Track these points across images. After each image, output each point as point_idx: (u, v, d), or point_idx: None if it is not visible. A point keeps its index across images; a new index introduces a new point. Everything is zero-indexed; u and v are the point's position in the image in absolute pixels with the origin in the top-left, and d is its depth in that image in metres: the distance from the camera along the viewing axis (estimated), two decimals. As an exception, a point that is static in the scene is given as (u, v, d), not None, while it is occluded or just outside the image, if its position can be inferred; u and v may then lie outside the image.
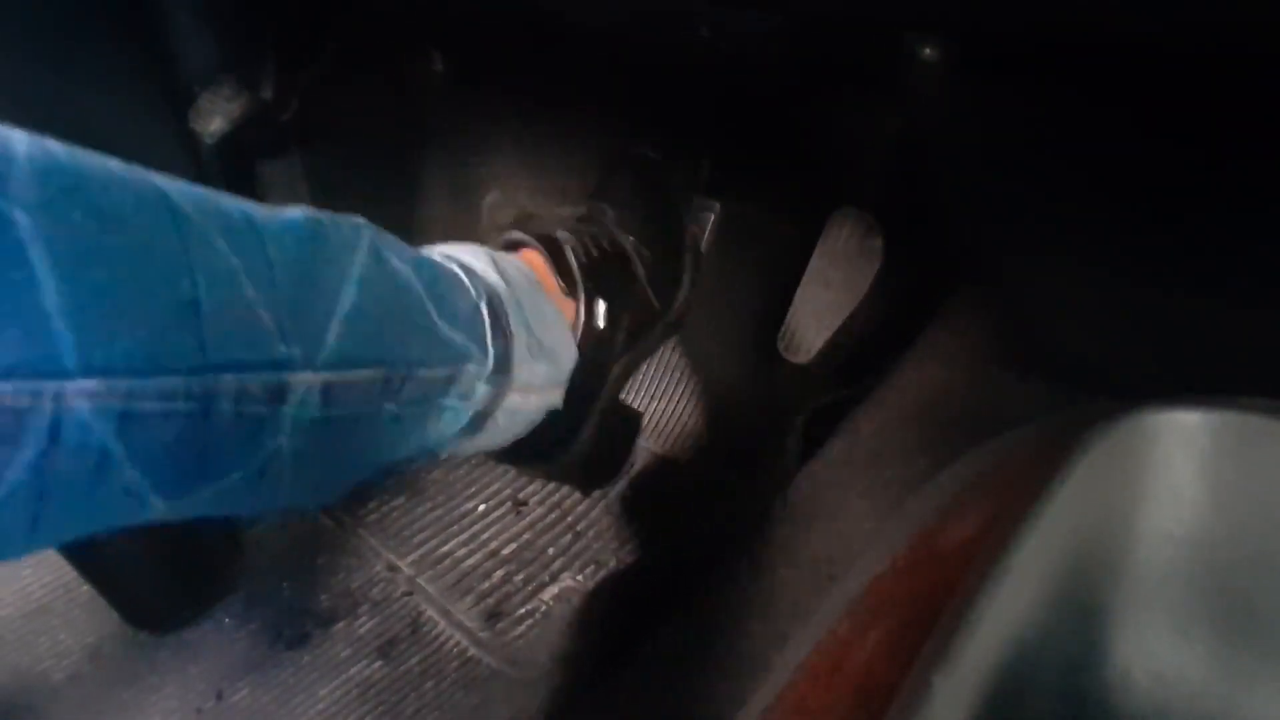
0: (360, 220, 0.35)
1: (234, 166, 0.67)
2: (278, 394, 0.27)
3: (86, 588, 0.57)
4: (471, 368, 0.36)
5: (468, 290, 0.37)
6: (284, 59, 0.67)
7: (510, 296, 0.40)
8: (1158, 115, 0.41)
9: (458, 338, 0.35)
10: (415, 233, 0.81)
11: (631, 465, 0.64)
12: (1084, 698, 0.24)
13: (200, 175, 0.66)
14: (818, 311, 0.61)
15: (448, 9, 0.72)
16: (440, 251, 0.40)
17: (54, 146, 0.23)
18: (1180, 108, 0.39)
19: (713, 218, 0.62)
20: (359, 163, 0.75)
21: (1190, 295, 0.43)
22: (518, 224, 0.50)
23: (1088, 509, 0.24)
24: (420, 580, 0.60)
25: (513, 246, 0.48)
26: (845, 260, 0.59)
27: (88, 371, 0.21)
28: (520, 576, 0.59)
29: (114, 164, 0.25)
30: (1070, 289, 0.48)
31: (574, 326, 0.46)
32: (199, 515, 0.27)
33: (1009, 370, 0.49)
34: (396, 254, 0.34)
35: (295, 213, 0.31)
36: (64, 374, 0.21)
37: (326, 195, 0.72)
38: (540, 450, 0.46)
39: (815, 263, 0.61)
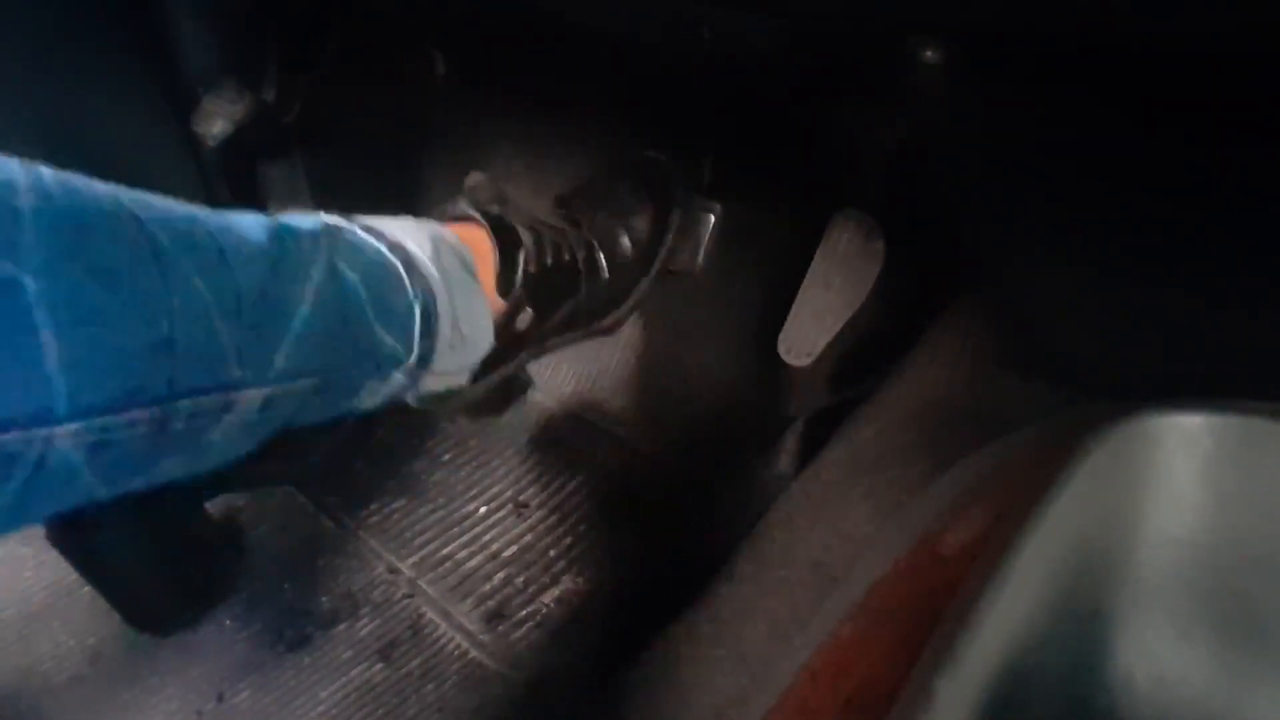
0: (319, 226, 0.37)
1: (236, 168, 0.67)
2: (224, 409, 0.30)
3: (88, 589, 0.57)
4: (395, 362, 0.39)
5: (405, 290, 0.40)
6: (286, 61, 0.67)
7: (444, 292, 0.42)
8: (1159, 116, 0.41)
9: (389, 340, 0.38)
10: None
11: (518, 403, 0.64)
12: (1086, 701, 0.24)
13: (202, 177, 0.67)
14: (819, 313, 0.61)
15: (449, 10, 0.73)
16: (388, 235, 0.42)
17: (50, 184, 0.25)
18: (1182, 108, 0.39)
19: (713, 219, 0.63)
20: (360, 164, 0.75)
21: (1192, 297, 0.43)
22: (483, 200, 0.50)
23: (1089, 511, 0.24)
24: (421, 582, 0.60)
25: (465, 220, 0.49)
26: (847, 262, 0.59)
27: (74, 416, 0.24)
28: (521, 579, 0.59)
29: (104, 199, 0.27)
30: (1072, 290, 0.48)
31: (497, 317, 0.47)
32: (128, 492, 0.30)
33: (1011, 372, 0.49)
34: (348, 261, 0.37)
35: (258, 229, 0.33)
36: (56, 421, 0.24)
37: (328, 196, 0.72)
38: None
39: (816, 265, 0.61)
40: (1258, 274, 0.41)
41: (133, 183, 0.69)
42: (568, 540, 0.62)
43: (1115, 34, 0.33)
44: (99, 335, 0.25)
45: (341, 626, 0.58)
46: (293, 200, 0.71)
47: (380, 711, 0.53)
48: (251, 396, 0.31)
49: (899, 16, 0.40)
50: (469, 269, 0.45)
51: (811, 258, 0.60)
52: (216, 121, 0.64)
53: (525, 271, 0.48)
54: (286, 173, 0.70)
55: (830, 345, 0.61)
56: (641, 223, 0.58)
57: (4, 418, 0.23)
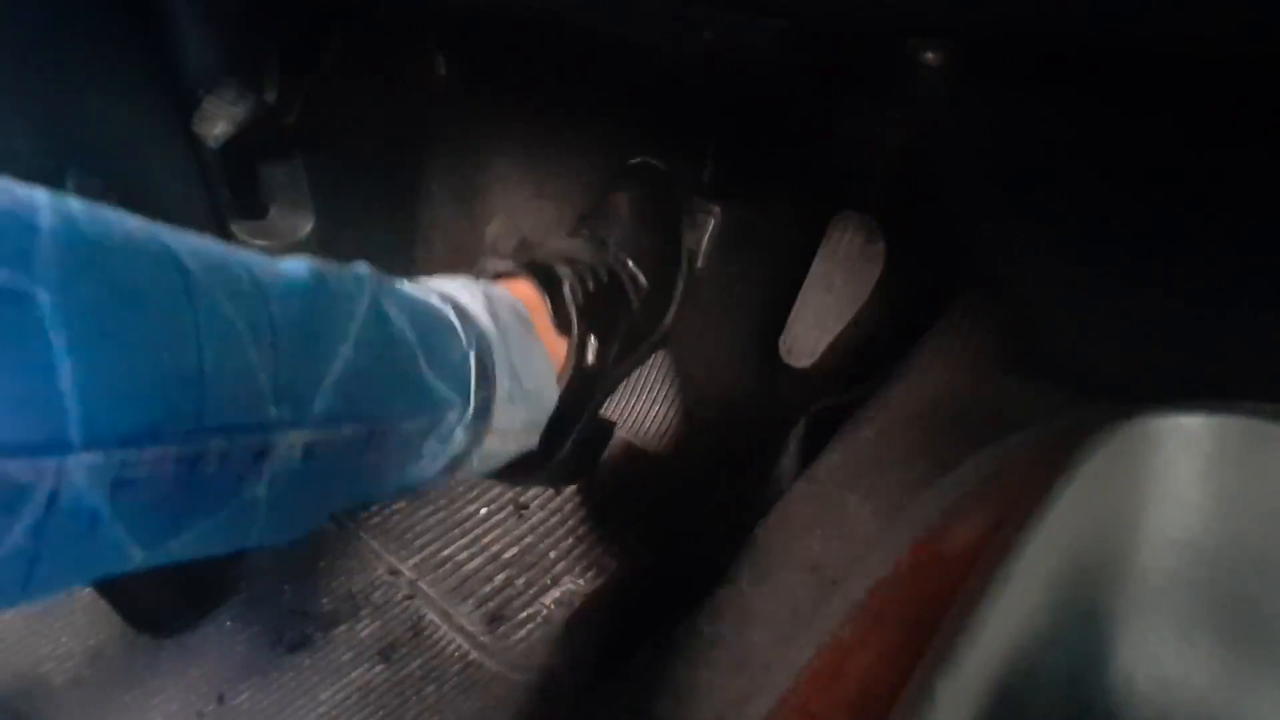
0: (363, 271, 0.35)
1: (237, 169, 0.67)
2: (261, 452, 0.28)
3: (88, 591, 0.57)
4: (452, 415, 0.37)
5: (459, 337, 0.38)
6: (288, 62, 0.67)
7: (500, 341, 0.40)
8: (1159, 117, 0.41)
9: (443, 388, 0.36)
10: (416, 236, 0.81)
11: (601, 464, 0.64)
12: (1087, 703, 0.24)
13: (203, 178, 0.67)
14: (820, 315, 0.61)
15: (450, 12, 0.73)
16: (437, 289, 0.41)
17: (76, 210, 0.24)
18: (1181, 109, 0.39)
19: (713, 222, 0.63)
20: (361, 166, 0.75)
21: (1193, 298, 0.43)
22: (518, 253, 0.51)
23: (1091, 513, 0.24)
24: (421, 584, 0.60)
25: (508, 276, 0.49)
26: (847, 264, 0.59)
27: (90, 445, 0.22)
28: (522, 580, 0.59)
29: (131, 224, 0.26)
30: (1073, 291, 0.48)
31: (562, 363, 0.46)
32: (174, 561, 0.27)
33: (1012, 374, 0.49)
34: (396, 303, 0.35)
35: (299, 267, 0.32)
36: (68, 449, 0.22)
37: (329, 198, 0.72)
38: (514, 475, 0.47)
39: (817, 266, 0.61)
40: (1259, 275, 0.41)
41: (135, 183, 0.69)
42: (568, 542, 0.62)
43: (1114, 36, 0.33)
44: (119, 357, 0.23)
45: (342, 628, 0.58)
46: (294, 203, 0.71)
47: (381, 713, 0.53)
48: (291, 440, 0.29)
49: (899, 20, 0.40)
50: (524, 321, 0.44)
51: (812, 259, 0.61)
52: (218, 123, 0.64)
53: (575, 304, 0.47)
54: (287, 174, 0.70)
55: (831, 346, 0.61)
56: (658, 228, 0.58)
57: (9, 441, 0.21)
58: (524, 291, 0.48)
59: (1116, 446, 0.25)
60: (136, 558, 0.25)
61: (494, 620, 0.57)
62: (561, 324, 0.47)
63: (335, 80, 0.70)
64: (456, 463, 0.40)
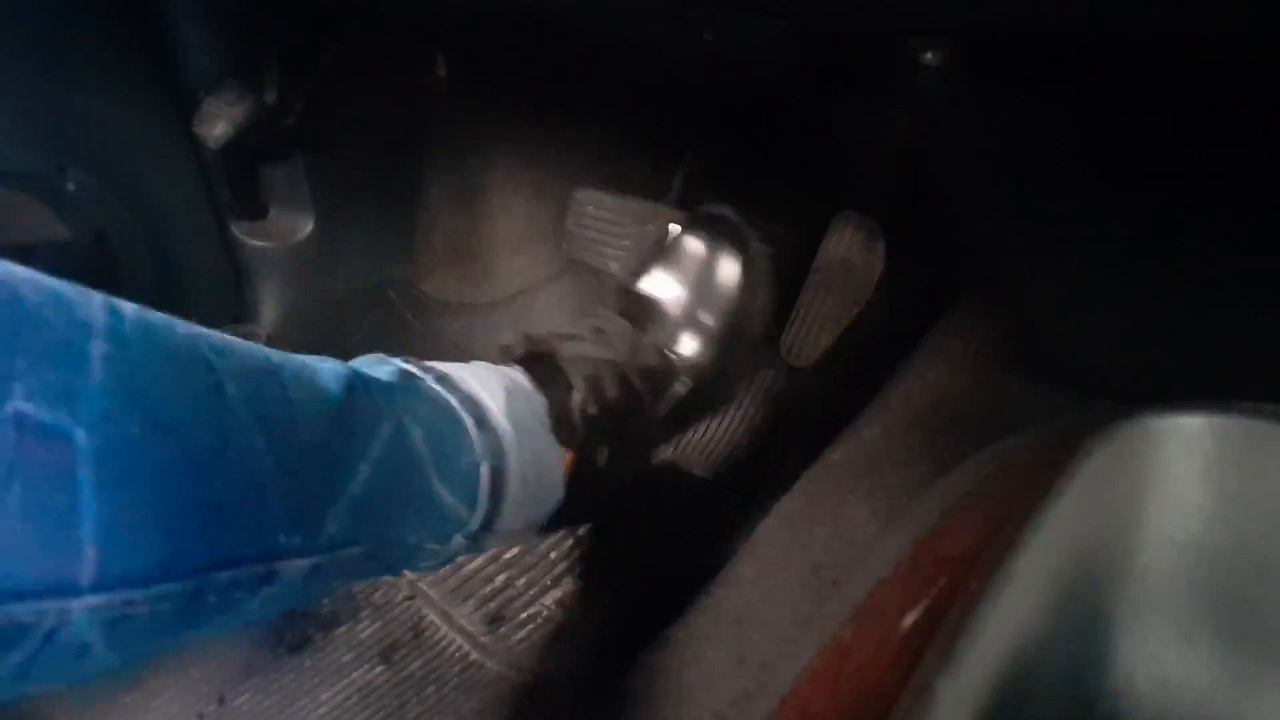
0: (395, 376, 0.35)
1: (237, 170, 0.68)
2: (266, 579, 0.27)
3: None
4: (455, 525, 0.37)
5: (473, 447, 0.37)
6: (288, 63, 0.67)
7: (515, 447, 0.39)
8: (1161, 118, 0.41)
9: (451, 502, 0.35)
10: (416, 237, 0.81)
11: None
12: (1088, 703, 0.24)
13: (204, 179, 0.67)
14: (820, 316, 0.61)
15: (451, 13, 0.73)
16: (461, 387, 0.39)
17: (129, 330, 0.23)
18: (1183, 109, 0.39)
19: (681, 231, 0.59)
20: (362, 166, 0.75)
21: (1193, 299, 0.43)
22: (545, 339, 0.47)
23: (1091, 514, 0.24)
24: (422, 584, 0.60)
25: (534, 359, 0.46)
26: (848, 265, 0.59)
27: (98, 589, 0.22)
28: (522, 581, 0.59)
29: (181, 345, 0.25)
30: (1073, 292, 0.48)
31: (569, 465, 0.44)
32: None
33: (1012, 374, 0.49)
34: (416, 416, 0.34)
35: (334, 378, 0.31)
36: (77, 593, 0.21)
37: (329, 199, 0.72)
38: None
39: (818, 267, 0.61)
40: (1259, 276, 0.41)
41: (135, 184, 0.68)
42: (568, 542, 0.62)
43: (1114, 36, 0.33)
44: (143, 497, 0.22)
45: (342, 629, 0.58)
46: (293, 203, 0.71)
47: (381, 714, 0.53)
48: (297, 566, 0.28)
49: (899, 20, 0.40)
50: (540, 420, 0.42)
51: (813, 259, 0.61)
52: (218, 123, 0.64)
53: (584, 414, 0.44)
54: (288, 174, 0.70)
55: (832, 347, 0.61)
56: (723, 299, 0.54)
57: (20, 587, 0.20)
58: (541, 379, 0.45)
59: (1117, 447, 0.25)
60: (111, 665, 0.25)
61: (494, 621, 0.57)
62: (563, 436, 0.43)
63: (335, 81, 0.70)
64: (446, 563, 0.40)
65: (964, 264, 0.55)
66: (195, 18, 0.63)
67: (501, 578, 0.60)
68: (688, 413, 0.55)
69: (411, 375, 0.37)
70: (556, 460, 0.42)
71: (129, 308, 0.24)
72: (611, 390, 0.47)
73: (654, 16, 0.55)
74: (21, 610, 0.20)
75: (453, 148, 0.78)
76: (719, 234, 0.56)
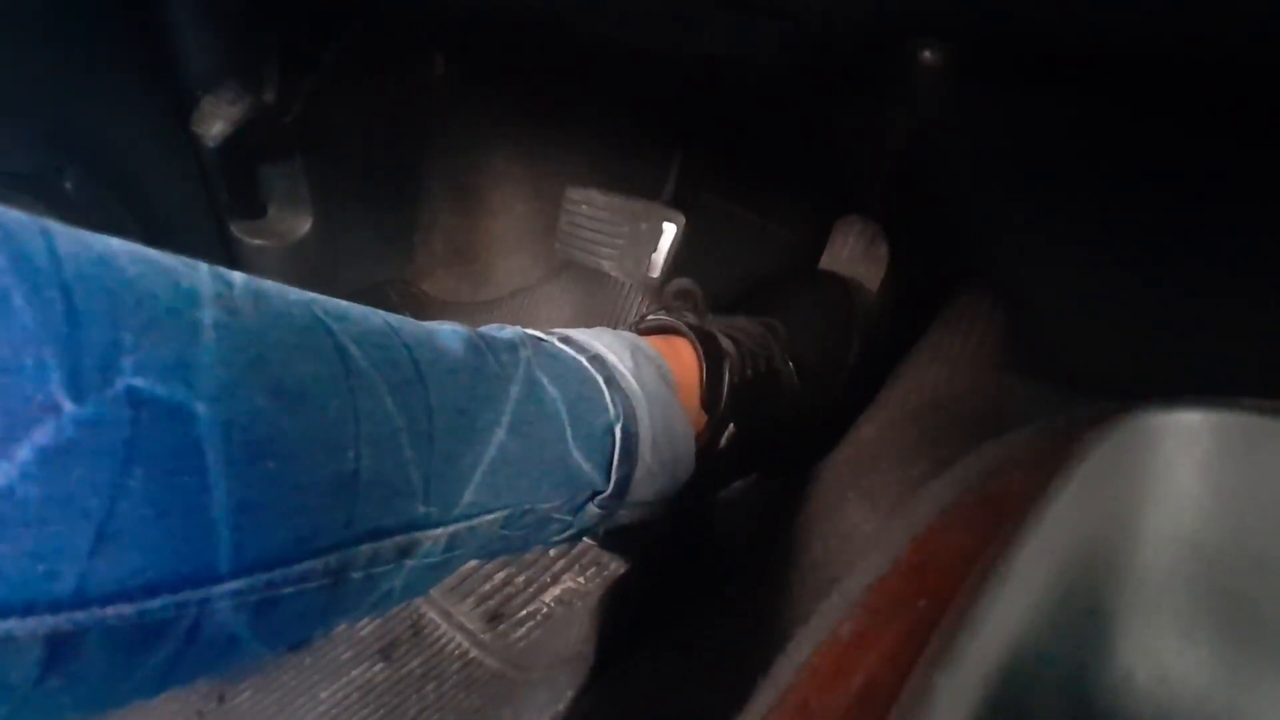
0: (517, 336, 0.33)
1: (236, 169, 0.67)
2: (406, 552, 0.26)
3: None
4: (589, 492, 0.35)
5: (605, 408, 0.35)
6: (287, 62, 0.67)
7: (645, 410, 0.37)
8: (1162, 118, 0.41)
9: (586, 466, 0.34)
10: (415, 236, 0.81)
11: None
12: (1087, 700, 0.24)
13: (203, 179, 0.67)
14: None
15: (450, 12, 0.73)
16: (587, 348, 0.37)
17: (239, 296, 0.22)
18: (1186, 108, 0.39)
19: (676, 230, 0.59)
20: (361, 166, 0.75)
21: (1192, 296, 0.43)
22: (679, 307, 0.46)
23: (1090, 511, 0.24)
24: (422, 583, 0.60)
25: (662, 331, 0.45)
26: (851, 267, 0.59)
27: (237, 573, 0.20)
28: (521, 578, 0.59)
29: (297, 309, 0.23)
30: (1073, 291, 0.48)
31: (699, 436, 0.42)
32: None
33: (1011, 372, 0.49)
34: (548, 372, 0.33)
35: (455, 339, 0.30)
36: (216, 580, 0.20)
37: (328, 198, 0.72)
38: (613, 542, 0.45)
39: (822, 268, 0.61)
40: (1258, 273, 0.41)
41: (135, 183, 0.68)
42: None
43: (1115, 39, 0.33)
44: (276, 471, 0.21)
45: (342, 626, 0.58)
46: (293, 202, 0.71)
47: (381, 711, 0.53)
48: (436, 536, 0.27)
49: (898, 19, 0.40)
50: (670, 386, 0.40)
51: (815, 263, 0.60)
52: (216, 122, 0.64)
53: (730, 384, 0.43)
54: (286, 173, 0.70)
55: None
56: (829, 345, 0.53)
57: (153, 581, 0.18)
58: (676, 352, 0.43)
59: (1116, 443, 0.25)
60: (261, 656, 0.23)
61: (494, 618, 0.57)
62: (709, 401, 0.42)
63: (335, 80, 0.70)
64: (582, 534, 0.38)
65: (965, 262, 0.55)
66: (194, 18, 0.63)
67: (501, 575, 0.60)
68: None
69: (535, 336, 0.35)
70: (686, 427, 0.41)
71: (237, 275, 0.22)
72: (755, 368, 0.46)
73: (654, 18, 0.55)
74: (158, 605, 0.19)
75: (451, 147, 0.78)
76: (828, 293, 0.55)
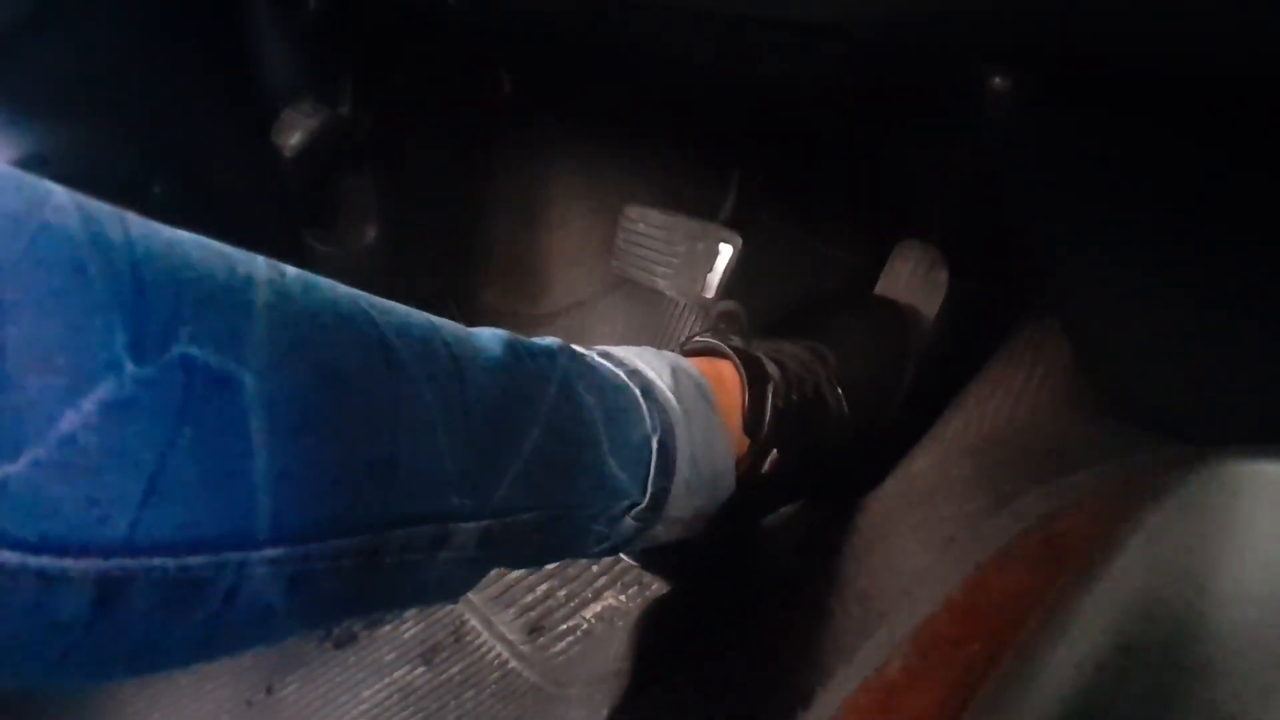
0: (554, 345, 0.34)
1: (310, 178, 0.70)
2: (440, 542, 0.27)
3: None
4: (625, 504, 0.36)
5: (643, 420, 0.36)
6: (361, 79, 0.70)
7: (684, 426, 0.37)
8: (1249, 149, 0.39)
9: (622, 476, 0.34)
10: (476, 247, 0.83)
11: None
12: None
13: (279, 187, 0.70)
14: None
15: (515, 34, 0.75)
16: (625, 362, 0.38)
17: (291, 283, 0.23)
18: (1272, 141, 0.37)
19: (733, 251, 0.58)
20: (427, 178, 0.77)
21: (1273, 337, 0.41)
22: (724, 329, 0.47)
23: (1161, 561, 0.23)
24: (465, 589, 0.61)
25: (704, 353, 0.45)
26: (909, 294, 0.57)
27: (276, 541, 0.21)
28: (563, 592, 0.59)
29: (343, 300, 0.25)
30: (1146, 326, 0.46)
31: (740, 460, 0.42)
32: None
33: (1076, 409, 0.47)
34: (585, 381, 0.34)
35: (494, 341, 0.31)
36: (254, 545, 0.21)
37: (394, 208, 0.74)
38: (655, 561, 0.45)
39: (876, 294, 0.60)
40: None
41: (215, 190, 0.72)
42: (611, 556, 0.62)
43: (1196, 64, 0.32)
44: (317, 447, 0.22)
45: (387, 628, 0.59)
46: (363, 212, 0.74)
47: (420, 715, 0.54)
48: (470, 530, 0.28)
49: (968, 45, 0.40)
50: (710, 404, 0.40)
51: (872, 288, 0.60)
52: (294, 133, 0.67)
53: (774, 408, 0.43)
54: (357, 184, 0.73)
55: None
56: (881, 371, 0.52)
57: (196, 537, 0.20)
58: (719, 374, 0.43)
59: (1192, 491, 0.23)
60: (295, 631, 0.24)
61: (534, 630, 0.58)
62: (752, 424, 0.42)
63: (405, 96, 0.73)
64: (619, 549, 0.39)
65: (1028, 294, 0.54)
66: (276, 36, 0.66)
67: (543, 587, 0.60)
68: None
69: (574, 348, 0.36)
70: (726, 445, 0.41)
71: (290, 267, 0.24)
72: (800, 393, 0.45)
73: (716, 39, 0.56)
74: (199, 563, 0.20)
75: (514, 163, 0.80)
76: (882, 320, 0.54)
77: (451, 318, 0.30)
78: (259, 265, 0.23)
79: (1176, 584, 0.23)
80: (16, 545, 0.17)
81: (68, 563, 0.18)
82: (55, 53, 0.56)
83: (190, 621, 0.21)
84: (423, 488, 0.25)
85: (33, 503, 0.18)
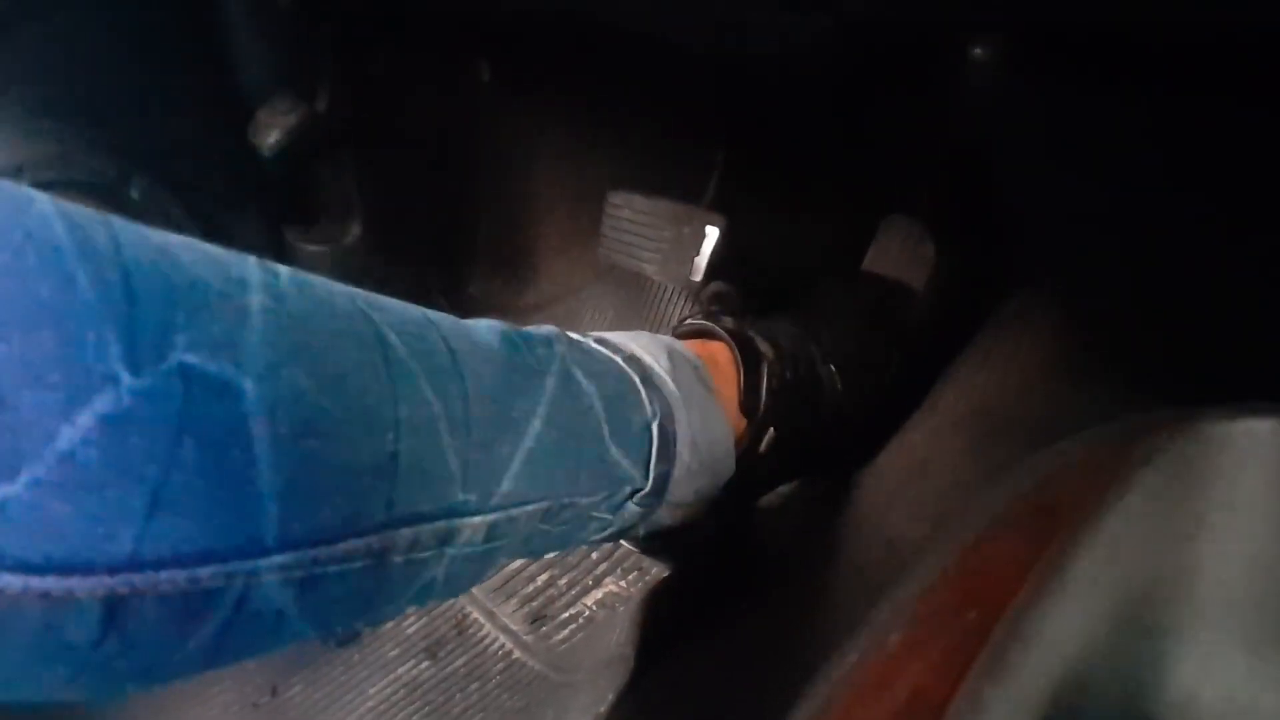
0: (552, 334, 0.34)
1: (290, 176, 0.70)
2: (446, 539, 0.27)
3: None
4: (628, 489, 0.36)
5: (642, 406, 0.36)
6: (338, 72, 0.69)
7: (682, 410, 0.37)
8: (1222, 107, 0.39)
9: (624, 463, 0.35)
10: (460, 239, 0.82)
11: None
12: (1147, 718, 0.23)
13: (259, 185, 0.69)
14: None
15: (495, 20, 0.74)
16: (622, 348, 0.38)
17: (286, 285, 0.23)
18: (1252, 100, 0.37)
19: (719, 233, 0.58)
20: (408, 171, 0.76)
21: (1259, 300, 0.41)
22: (716, 311, 0.47)
23: (1150, 521, 0.23)
24: (466, 582, 0.61)
25: (698, 335, 0.45)
26: (896, 268, 0.57)
27: (284, 547, 0.21)
28: (564, 580, 0.60)
29: (336, 293, 0.25)
30: (1129, 292, 0.47)
31: (739, 440, 0.43)
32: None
33: (1065, 377, 0.47)
34: (583, 368, 0.34)
35: (490, 332, 0.31)
36: (262, 553, 0.21)
37: (377, 203, 0.74)
38: (654, 545, 0.45)
39: (865, 269, 0.60)
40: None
41: (194, 190, 0.71)
42: (610, 543, 0.62)
43: (1178, 25, 0.32)
44: (318, 450, 0.22)
45: (389, 624, 0.59)
46: (345, 207, 0.73)
47: (426, 709, 0.54)
48: (475, 525, 0.28)
49: (951, 15, 0.39)
50: (707, 387, 0.41)
51: (859, 263, 0.60)
52: (271, 132, 0.66)
53: (769, 389, 0.43)
54: (338, 179, 0.72)
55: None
56: (876, 346, 0.52)
57: (202, 549, 0.19)
58: (714, 355, 0.44)
59: (1178, 451, 0.24)
60: (307, 635, 0.24)
61: (537, 620, 0.58)
62: (748, 404, 0.43)
63: (383, 88, 0.72)
64: (622, 534, 0.39)
65: (1013, 264, 0.54)
66: (250, 31, 0.65)
67: (544, 577, 0.60)
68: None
69: (571, 335, 0.36)
70: (725, 427, 0.41)
71: (283, 267, 0.24)
72: (795, 371, 0.46)
73: (697, 18, 0.55)
74: (208, 574, 0.20)
75: (497, 152, 0.80)
76: (875, 293, 0.54)
77: (441, 311, 0.30)
78: (251, 267, 0.22)
79: (1168, 542, 0.23)
80: (19, 568, 0.17)
81: (73, 583, 0.18)
82: (27, 54, 0.55)
83: (200, 633, 0.21)
84: (427, 485, 0.25)
85: (34, 523, 0.17)
